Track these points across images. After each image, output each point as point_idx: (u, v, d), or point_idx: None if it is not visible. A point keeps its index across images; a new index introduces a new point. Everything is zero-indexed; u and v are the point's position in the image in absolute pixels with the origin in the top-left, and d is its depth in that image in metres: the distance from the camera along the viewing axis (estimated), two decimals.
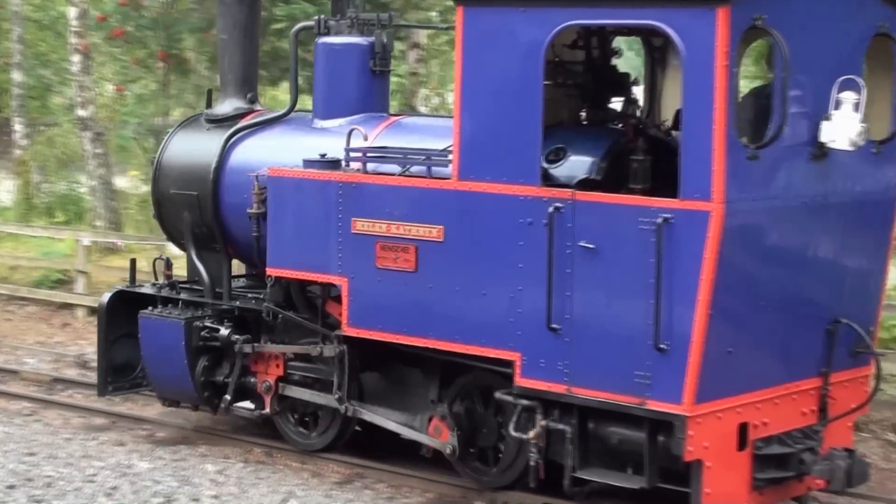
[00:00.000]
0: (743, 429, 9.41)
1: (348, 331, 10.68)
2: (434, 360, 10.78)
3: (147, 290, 12.62)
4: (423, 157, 10.30)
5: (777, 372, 9.64)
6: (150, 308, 12.28)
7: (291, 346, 11.56)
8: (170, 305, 12.30)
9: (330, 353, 11.11)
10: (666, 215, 8.96)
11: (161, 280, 12.76)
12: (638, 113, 10.78)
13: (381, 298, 10.43)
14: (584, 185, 9.77)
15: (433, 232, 10.11)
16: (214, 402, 12.14)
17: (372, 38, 11.76)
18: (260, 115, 12.34)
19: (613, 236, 9.25)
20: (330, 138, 11.56)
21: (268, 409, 11.72)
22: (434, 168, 10.31)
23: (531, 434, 9.77)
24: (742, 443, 9.42)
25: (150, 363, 12.22)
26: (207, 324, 11.97)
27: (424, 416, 10.78)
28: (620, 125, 10.41)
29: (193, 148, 12.45)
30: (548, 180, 9.68)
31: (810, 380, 9.87)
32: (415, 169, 10.49)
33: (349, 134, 10.99)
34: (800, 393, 9.81)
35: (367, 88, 11.81)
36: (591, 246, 9.30)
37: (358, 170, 10.76)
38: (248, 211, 11.69)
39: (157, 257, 12.93)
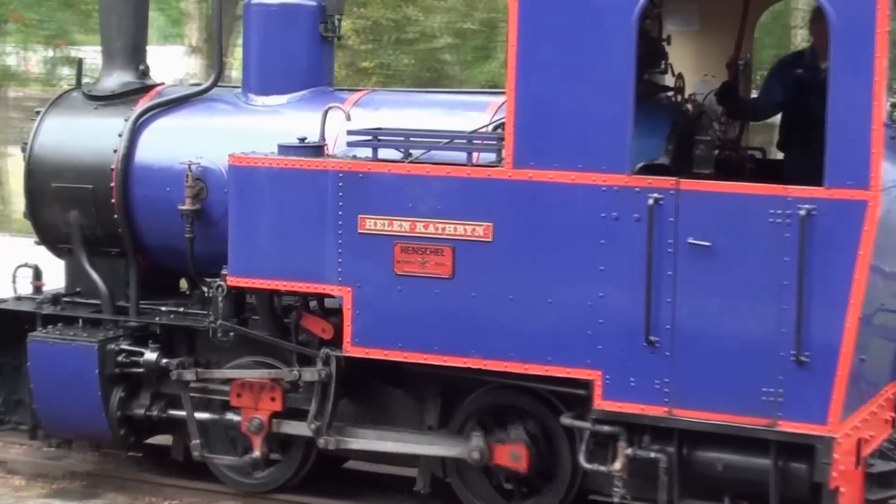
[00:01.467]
0: (858, 445, 8.31)
1: (352, 351, 8.79)
2: (433, 379, 9.16)
3: (16, 305, 10.28)
4: (464, 140, 8.62)
5: (880, 377, 8.58)
6: (41, 329, 9.96)
7: (255, 370, 9.56)
8: (59, 325, 10.02)
9: (311, 377, 9.22)
10: (808, 206, 7.68)
11: (30, 292, 10.47)
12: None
13: (401, 311, 8.62)
14: (647, 170, 8.40)
15: (478, 230, 8.41)
16: (130, 441, 9.98)
17: None
18: (170, 91, 10.22)
19: (733, 231, 7.85)
20: (278, 118, 9.69)
21: (258, 453, 9.55)
22: (444, 153, 8.69)
23: (617, 465, 8.29)
24: (857, 460, 8.33)
25: (43, 396, 9.86)
26: (125, 346, 9.80)
27: (474, 441, 9.05)
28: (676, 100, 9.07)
29: (81, 132, 10.17)
30: None
31: (891, 384, 8.87)
32: (424, 155, 8.81)
33: (325, 113, 9.09)
34: (886, 400, 8.79)
35: (316, 58, 9.93)
36: (704, 243, 7.91)
37: (354, 156, 8.93)
38: (180, 208, 9.61)
39: (21, 264, 10.57)
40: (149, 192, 9.84)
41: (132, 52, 10.30)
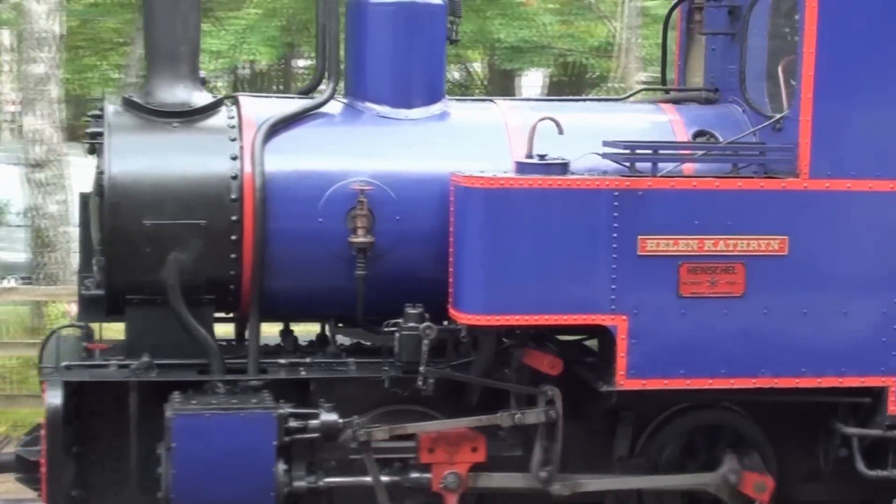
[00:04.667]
0: None
1: (628, 384, 8.04)
2: (627, 406, 8.63)
3: (105, 376, 8.18)
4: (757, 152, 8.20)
5: None
6: (180, 400, 7.98)
7: (465, 419, 8.31)
8: (189, 391, 8.13)
9: (536, 419, 8.26)
10: None
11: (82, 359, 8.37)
12: None
13: (685, 336, 8.05)
14: None
15: (773, 244, 8.07)
16: None
17: None
18: (267, 104, 8.58)
19: None
20: (437, 132, 8.58)
21: None
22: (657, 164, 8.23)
23: None
24: None
25: (191, 480, 7.90)
26: (290, 409, 8.14)
27: (727, 464, 8.54)
28: None
29: (171, 155, 8.27)
30: None
31: None
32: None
33: (534, 127, 8.18)
34: None
35: (444, 64, 8.80)
36: None
37: (604, 173, 8.13)
38: (352, 240, 8.19)
39: (62, 326, 8.42)
40: (292, 226, 8.22)
41: (195, 58, 8.52)
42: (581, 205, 7.94)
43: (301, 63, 34.87)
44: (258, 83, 31.58)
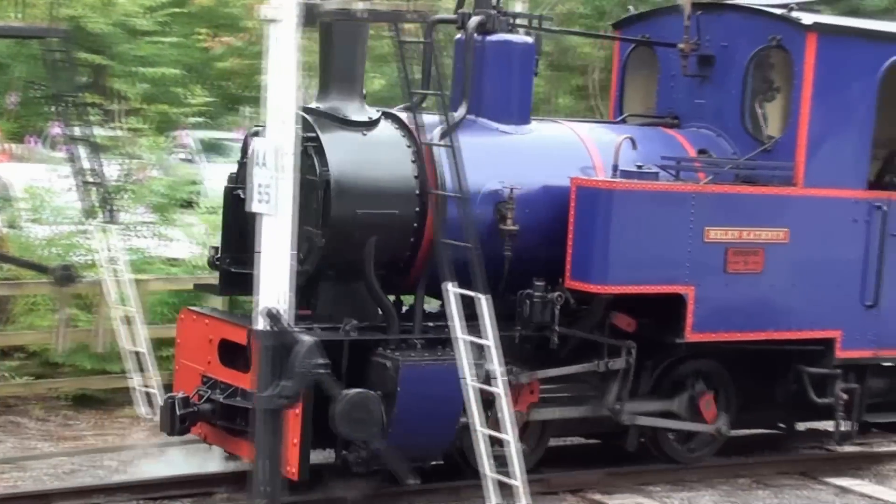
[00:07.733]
0: None
1: (692, 337, 10.84)
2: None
3: (328, 336, 9.86)
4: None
5: None
6: (409, 353, 9.96)
7: (568, 366, 10.70)
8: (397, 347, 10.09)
9: (619, 366, 10.79)
10: None
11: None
12: None
13: (728, 302, 10.95)
14: None
15: (780, 234, 11.09)
16: None
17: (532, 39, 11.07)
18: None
19: None
20: (537, 145, 10.96)
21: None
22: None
23: (843, 395, 11.63)
24: None
25: (408, 422, 9.83)
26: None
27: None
28: None
29: (368, 157, 10.17)
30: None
31: None
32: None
33: (619, 144, 10.73)
34: None
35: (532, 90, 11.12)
36: None
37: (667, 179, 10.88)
38: (504, 228, 10.39)
39: None
40: (457, 215, 10.24)
41: (363, 78, 10.42)
42: (671, 203, 10.66)
43: None
44: None
